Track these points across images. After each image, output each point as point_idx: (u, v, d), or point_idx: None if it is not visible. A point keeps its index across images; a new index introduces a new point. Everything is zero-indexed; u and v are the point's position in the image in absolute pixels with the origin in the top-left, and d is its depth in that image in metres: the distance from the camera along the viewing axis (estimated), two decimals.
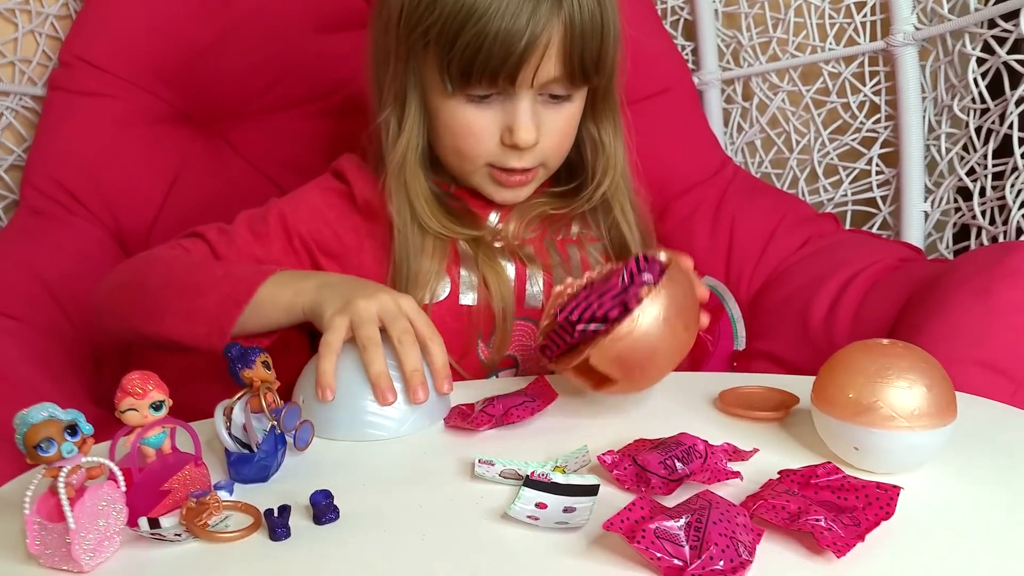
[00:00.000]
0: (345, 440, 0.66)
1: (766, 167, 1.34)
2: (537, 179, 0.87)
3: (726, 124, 1.37)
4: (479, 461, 0.59)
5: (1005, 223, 1.01)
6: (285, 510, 0.52)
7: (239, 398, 0.58)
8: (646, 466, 0.56)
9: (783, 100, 1.30)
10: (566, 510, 0.53)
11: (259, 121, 1.22)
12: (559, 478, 0.56)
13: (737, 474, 0.56)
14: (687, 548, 0.46)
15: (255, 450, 0.58)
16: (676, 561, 0.45)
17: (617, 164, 0.90)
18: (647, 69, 1.25)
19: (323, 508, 0.53)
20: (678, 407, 0.70)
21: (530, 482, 0.55)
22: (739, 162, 1.33)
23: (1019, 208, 0.98)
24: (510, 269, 0.88)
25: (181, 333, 0.75)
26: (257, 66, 1.20)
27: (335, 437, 0.66)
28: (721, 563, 0.45)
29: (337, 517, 0.53)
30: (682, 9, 1.35)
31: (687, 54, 1.36)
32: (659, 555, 0.45)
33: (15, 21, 1.18)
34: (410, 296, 0.72)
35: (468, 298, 0.87)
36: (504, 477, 0.57)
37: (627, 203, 0.92)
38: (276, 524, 0.51)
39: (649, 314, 0.62)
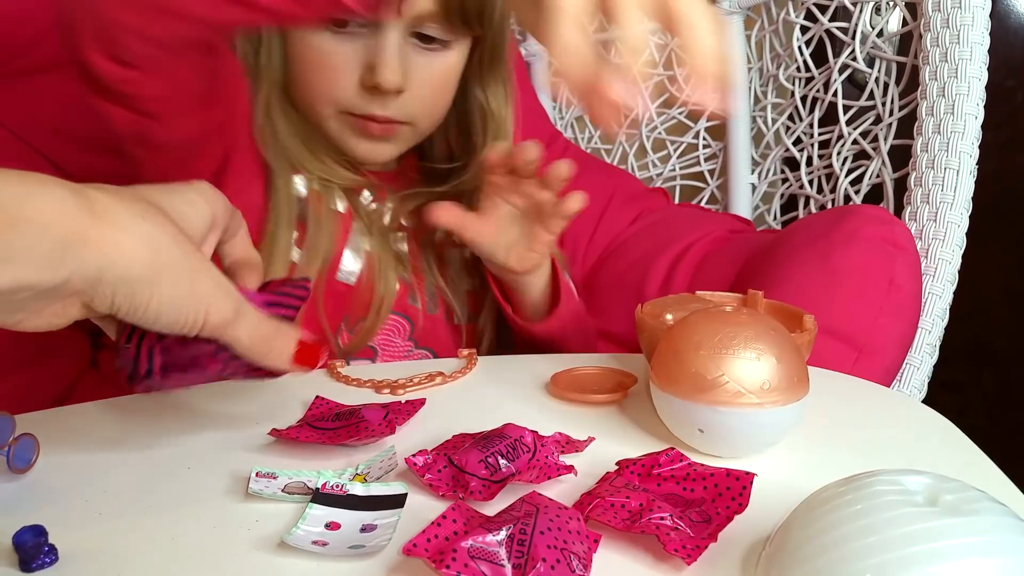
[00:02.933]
0: None
1: (596, 142, 1.29)
2: (402, 138, 0.75)
3: (555, 99, 1.31)
4: (256, 474, 0.47)
5: (833, 191, 0.99)
6: None
7: None
8: (464, 467, 0.46)
9: None
10: (364, 529, 0.42)
11: (24, 82, 1.03)
12: (357, 489, 0.45)
13: (570, 468, 0.48)
14: (509, 567, 0.37)
15: None
16: None
17: (508, 136, 0.79)
18: None
19: (31, 550, 0.39)
20: (503, 394, 0.61)
21: (320, 496, 0.44)
22: (569, 137, 1.27)
23: (846, 176, 0.97)
24: (348, 256, 0.77)
25: None
26: (20, 14, 1.01)
27: None
28: None
29: (53, 560, 0.40)
30: None
31: (512, 25, 1.28)
32: None
33: None
34: None
35: (348, 276, 0.75)
36: (288, 493, 0.46)
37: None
38: None
39: None
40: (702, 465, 0.47)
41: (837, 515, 0.35)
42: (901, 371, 0.82)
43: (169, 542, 0.42)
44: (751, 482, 0.45)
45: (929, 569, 0.32)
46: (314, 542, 0.41)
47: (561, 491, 0.46)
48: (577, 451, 0.51)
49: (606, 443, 0.53)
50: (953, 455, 0.51)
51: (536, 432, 0.50)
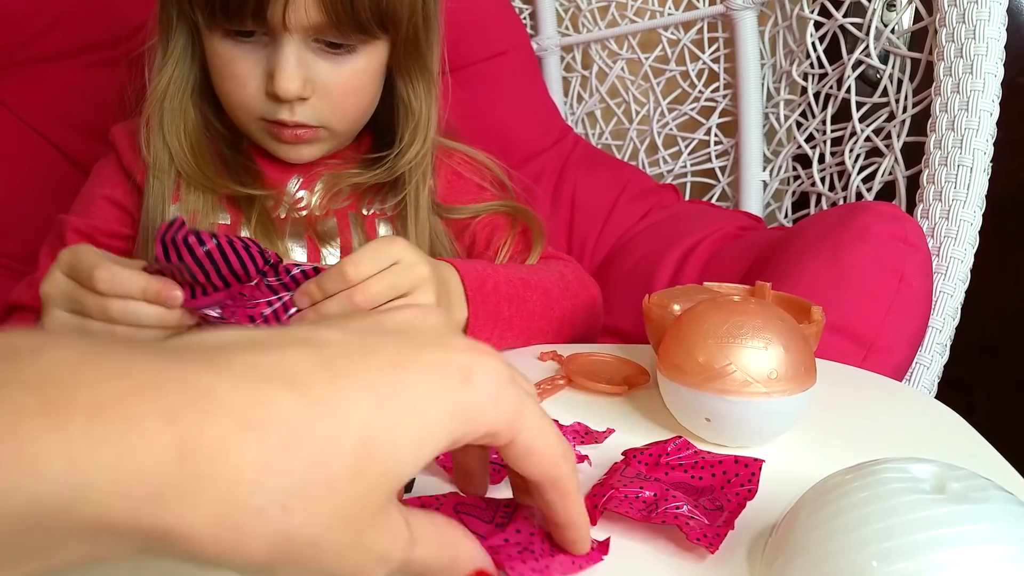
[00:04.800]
0: None
1: (606, 138, 1.28)
2: (322, 141, 0.75)
3: (566, 94, 1.31)
4: None
5: (845, 188, 0.99)
6: None
7: None
8: None
9: (622, 68, 1.25)
10: None
11: (34, 72, 1.04)
12: None
13: (584, 458, 0.48)
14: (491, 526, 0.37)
15: None
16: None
17: (429, 132, 0.79)
18: (483, 30, 1.17)
19: None
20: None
21: None
22: (579, 133, 1.27)
23: (858, 173, 0.97)
24: (297, 251, 0.76)
25: None
26: (29, 7, 1.02)
27: None
28: None
29: None
30: None
31: (525, 19, 1.28)
32: None
33: None
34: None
35: None
36: None
37: (425, 176, 0.80)
38: None
39: None
40: (709, 453, 0.47)
41: (844, 502, 0.35)
42: (911, 370, 0.82)
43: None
44: (760, 468, 0.45)
45: (935, 556, 0.32)
46: None
47: None
48: (596, 442, 0.51)
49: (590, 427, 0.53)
50: (961, 447, 0.51)
51: (556, 421, 0.50)
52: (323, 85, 0.70)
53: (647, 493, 0.43)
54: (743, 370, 0.48)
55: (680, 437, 0.47)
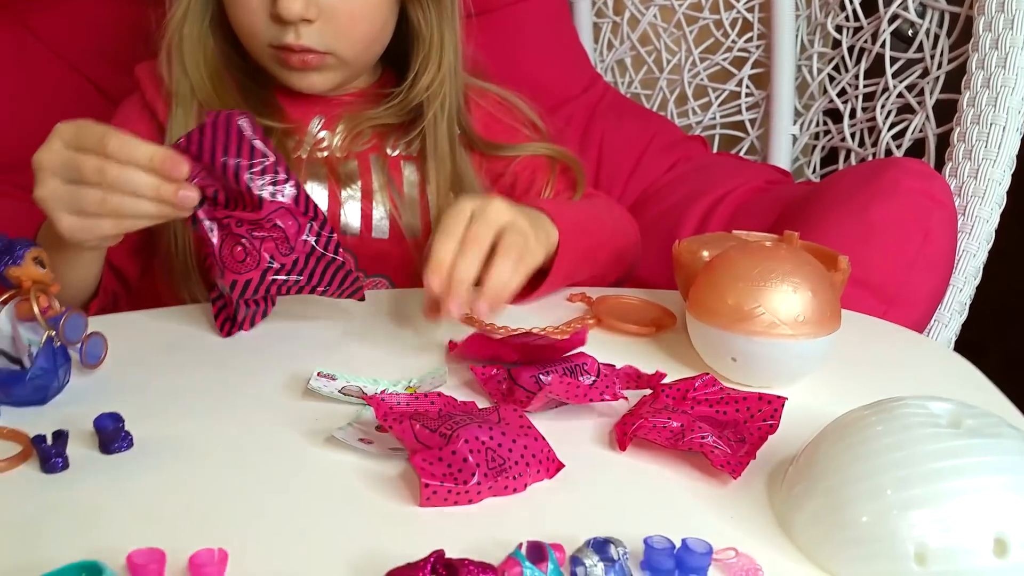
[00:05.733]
0: None
1: (636, 87, 1.28)
2: (331, 68, 0.75)
3: (596, 41, 1.30)
4: (317, 374, 0.50)
5: (875, 145, 0.99)
6: (61, 436, 0.42)
7: (3, 302, 0.47)
8: (516, 379, 0.49)
9: (655, 15, 1.25)
10: None
11: (63, 5, 1.05)
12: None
13: (619, 395, 0.49)
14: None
15: (27, 366, 0.46)
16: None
17: (443, 59, 0.79)
18: None
19: (111, 434, 0.43)
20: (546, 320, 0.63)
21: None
22: (608, 81, 1.27)
23: (888, 130, 0.97)
24: (319, 191, 0.77)
25: None
26: None
27: None
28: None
29: (129, 446, 0.43)
30: None
31: None
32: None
33: None
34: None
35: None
36: (345, 394, 0.49)
37: (447, 111, 0.79)
38: (49, 453, 0.41)
39: None
40: (734, 389, 0.49)
41: (863, 434, 0.38)
42: (929, 327, 0.83)
43: (231, 435, 0.45)
44: (782, 405, 0.47)
45: (949, 484, 0.34)
46: (360, 439, 0.44)
47: (600, 411, 0.49)
48: (649, 386, 0.51)
49: (641, 370, 0.55)
50: (975, 393, 0.53)
51: (610, 364, 0.52)
52: (328, 7, 0.71)
53: (674, 423, 0.45)
54: (771, 312, 0.50)
55: (707, 374, 0.50)
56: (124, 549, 0.34)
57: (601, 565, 0.34)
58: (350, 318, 0.62)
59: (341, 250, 0.56)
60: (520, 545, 0.34)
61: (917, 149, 0.93)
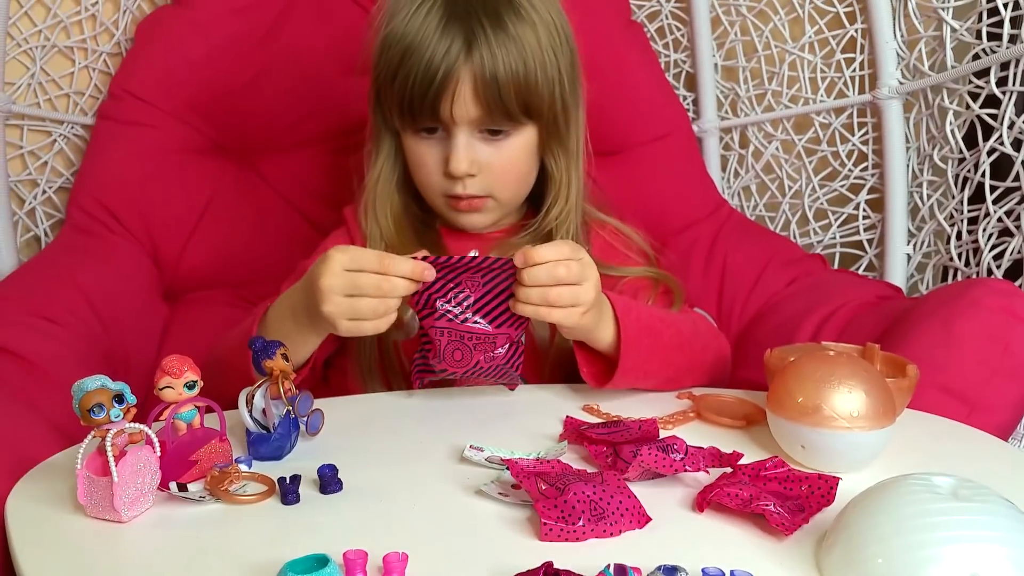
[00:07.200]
0: None
1: (760, 210, 1.41)
2: (490, 209, 0.95)
3: (723, 170, 1.45)
4: (470, 447, 0.66)
5: (978, 264, 1.07)
6: (296, 479, 0.60)
7: (260, 385, 0.66)
8: (619, 452, 0.63)
9: (777, 148, 1.38)
10: None
11: (288, 154, 1.31)
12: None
13: (704, 469, 0.62)
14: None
15: (272, 431, 0.65)
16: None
17: (570, 195, 0.97)
18: (649, 116, 1.34)
19: (328, 479, 0.60)
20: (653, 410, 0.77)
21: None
22: (735, 205, 1.41)
23: (989, 251, 1.05)
24: None
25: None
26: (289, 103, 1.29)
27: None
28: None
29: (341, 488, 0.61)
30: (684, 62, 1.44)
31: (688, 104, 1.44)
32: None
33: (72, 57, 1.29)
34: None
35: None
36: (490, 462, 0.65)
37: (571, 236, 0.96)
38: (288, 490, 0.59)
39: None
40: (799, 470, 0.61)
41: (877, 496, 0.49)
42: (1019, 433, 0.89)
43: (412, 484, 0.62)
44: (837, 484, 0.58)
45: (941, 534, 0.45)
46: (500, 493, 0.59)
47: (686, 482, 0.62)
48: (728, 465, 0.63)
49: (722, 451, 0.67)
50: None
51: (698, 446, 0.64)
52: (487, 163, 0.91)
53: (745, 493, 0.58)
54: (831, 408, 0.62)
55: (777, 456, 0.62)
56: (338, 552, 0.50)
57: None
58: (496, 405, 0.79)
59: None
60: (608, 565, 0.48)
61: (1015, 269, 1.01)
